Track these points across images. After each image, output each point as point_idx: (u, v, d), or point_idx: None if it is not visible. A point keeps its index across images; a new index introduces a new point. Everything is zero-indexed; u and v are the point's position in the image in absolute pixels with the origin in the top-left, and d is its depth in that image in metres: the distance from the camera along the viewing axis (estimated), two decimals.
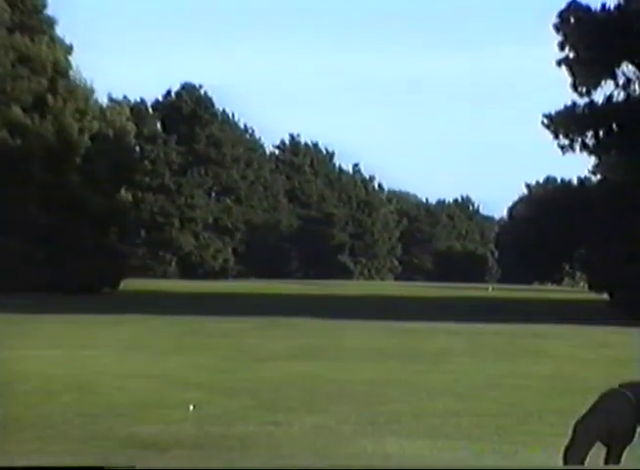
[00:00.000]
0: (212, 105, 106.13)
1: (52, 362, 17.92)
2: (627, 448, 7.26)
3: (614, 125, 47.97)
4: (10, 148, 51.78)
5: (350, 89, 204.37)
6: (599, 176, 61.66)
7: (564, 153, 49.62)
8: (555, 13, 48.12)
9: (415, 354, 20.79)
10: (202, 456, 9.79)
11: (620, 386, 7.27)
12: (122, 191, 60.21)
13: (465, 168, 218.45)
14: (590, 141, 48.93)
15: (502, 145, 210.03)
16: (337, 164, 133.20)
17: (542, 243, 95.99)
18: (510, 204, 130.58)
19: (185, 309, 37.66)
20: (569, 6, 47.38)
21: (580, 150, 49.36)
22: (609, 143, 48.31)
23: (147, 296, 53.69)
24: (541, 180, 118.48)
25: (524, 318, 36.11)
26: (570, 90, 48.63)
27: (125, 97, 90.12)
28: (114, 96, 78.67)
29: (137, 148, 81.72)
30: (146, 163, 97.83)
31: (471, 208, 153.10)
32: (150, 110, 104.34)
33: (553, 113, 49.53)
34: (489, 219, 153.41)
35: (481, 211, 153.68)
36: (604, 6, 47.03)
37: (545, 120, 49.74)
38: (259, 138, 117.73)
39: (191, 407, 12.52)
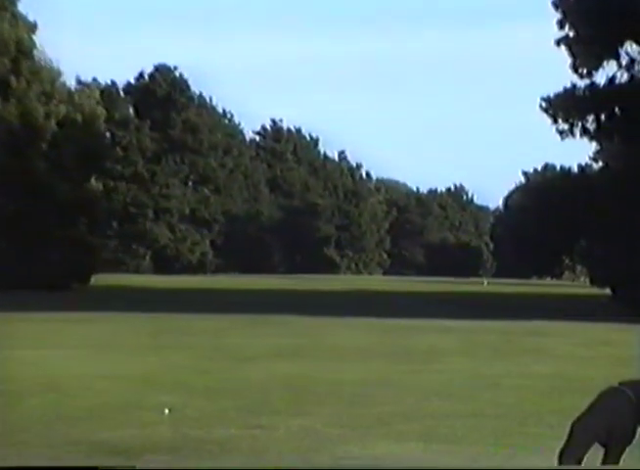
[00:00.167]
0: (188, 88, 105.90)
1: (19, 364, 17.88)
2: (627, 450, 7.28)
3: (616, 109, 48.11)
4: None
5: (336, 71, 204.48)
6: (600, 163, 61.93)
7: (563, 138, 49.83)
8: None
9: (406, 353, 20.85)
10: (178, 461, 9.80)
11: (621, 384, 7.31)
12: (92, 180, 60.03)
13: (458, 155, 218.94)
14: (591, 126, 49.08)
15: (497, 130, 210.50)
16: (321, 151, 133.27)
17: (540, 235, 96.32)
18: (506, 193, 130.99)
19: (160, 306, 37.60)
20: None
21: (581, 135, 49.54)
22: (611, 128, 48.45)
23: (119, 292, 53.56)
24: (539, 168, 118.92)
25: (521, 315, 36.25)
26: (569, 71, 48.79)
27: (95, 79, 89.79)
28: (83, 78, 78.38)
29: (108, 134, 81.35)
30: (117, 149, 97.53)
31: (464, 197, 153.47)
32: (121, 93, 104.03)
33: (551, 95, 49.68)
34: (484, 210, 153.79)
35: (476, 200, 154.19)
36: None
37: (543, 104, 49.88)
38: (239, 123, 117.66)
39: (167, 410, 12.51)
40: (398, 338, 25.09)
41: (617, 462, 7.26)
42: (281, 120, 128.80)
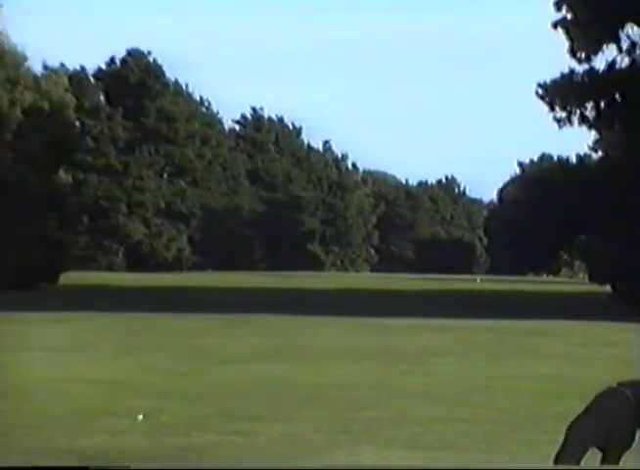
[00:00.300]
0: (163, 74, 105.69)
1: None
2: (625, 455, 7.28)
3: (616, 95, 48.25)
4: None
5: (320, 57, 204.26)
6: (600, 153, 62.08)
7: (560, 127, 49.93)
8: None
9: (394, 355, 20.88)
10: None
11: (619, 384, 7.32)
12: (61, 172, 59.83)
13: (449, 146, 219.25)
14: (590, 113, 49.20)
15: (491, 119, 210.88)
16: (305, 141, 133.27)
17: (537, 229, 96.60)
18: (500, 185, 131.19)
19: (134, 306, 37.54)
20: None
21: (579, 123, 49.66)
22: (611, 115, 48.58)
23: (90, 291, 53.45)
24: (535, 158, 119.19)
25: (516, 313, 36.35)
26: (567, 56, 48.86)
27: (63, 65, 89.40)
28: (50, 64, 78.03)
29: (77, 123, 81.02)
30: (88, 139, 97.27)
31: (456, 190, 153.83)
32: (91, 79, 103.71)
33: (548, 81, 49.78)
34: (477, 203, 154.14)
35: (468, 193, 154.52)
36: None
37: (539, 90, 49.98)
38: (217, 112, 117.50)
39: (140, 416, 12.49)
40: (386, 338, 25.12)
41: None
42: (262, 109, 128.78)
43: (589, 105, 49.09)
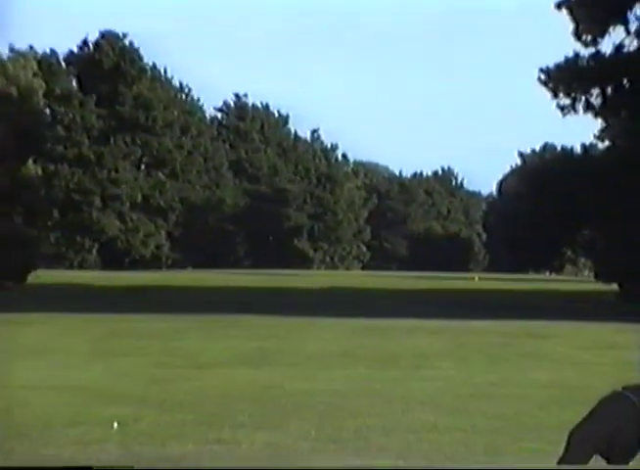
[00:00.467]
0: (140, 58, 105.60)
1: None
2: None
3: (624, 81, 48.36)
4: None
5: (307, 40, 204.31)
6: (606, 143, 62.24)
7: (564, 115, 50.08)
8: None
9: (387, 359, 20.89)
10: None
11: (624, 388, 7.30)
12: (29, 163, 59.67)
13: (446, 135, 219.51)
14: (596, 100, 49.32)
15: (490, 107, 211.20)
16: (292, 131, 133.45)
17: (538, 223, 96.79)
18: (500, 177, 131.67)
19: (108, 306, 37.52)
20: None
21: (584, 111, 49.78)
22: (618, 102, 48.69)
23: (61, 290, 53.37)
24: (537, 148, 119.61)
25: (517, 314, 36.45)
26: (571, 39, 48.93)
27: (31, 47, 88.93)
28: (17, 46, 77.70)
29: (47, 110, 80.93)
30: (58, 128, 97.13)
31: (453, 182, 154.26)
32: (62, 64, 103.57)
33: (551, 66, 49.88)
34: (475, 196, 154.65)
35: (466, 185, 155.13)
36: None
37: (542, 76, 50.08)
38: (198, 99, 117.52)
39: (115, 424, 12.45)
40: (379, 341, 25.14)
41: None
42: (245, 96, 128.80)
43: (595, 91, 49.19)
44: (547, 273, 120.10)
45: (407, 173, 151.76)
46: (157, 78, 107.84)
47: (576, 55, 49.48)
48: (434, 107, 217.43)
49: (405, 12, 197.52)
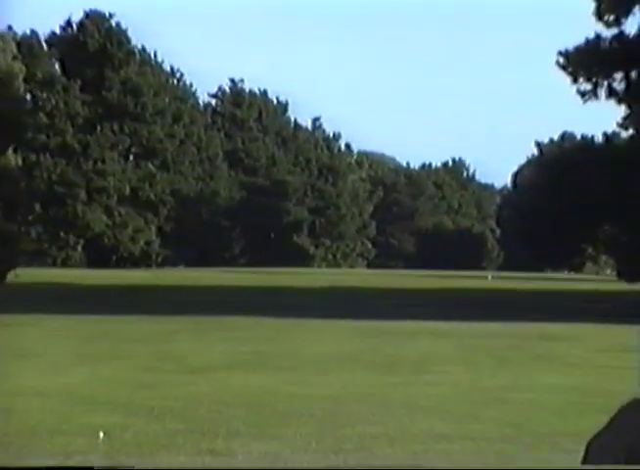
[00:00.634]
0: (128, 40, 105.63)
1: None
2: None
3: None
4: None
5: (307, 21, 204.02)
6: (630, 131, 62.23)
7: (585, 101, 50.10)
8: None
9: (392, 362, 20.97)
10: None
11: None
12: (9, 152, 59.73)
13: (457, 124, 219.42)
14: (619, 85, 49.37)
15: (504, 92, 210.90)
16: (291, 119, 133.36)
17: (557, 219, 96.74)
18: (515, 168, 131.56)
19: (94, 307, 37.59)
20: None
21: (606, 97, 49.82)
22: None
23: (43, 290, 53.43)
24: (555, 137, 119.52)
25: (532, 315, 36.54)
26: (593, 19, 48.91)
27: (11, 28, 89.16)
28: None
29: (28, 96, 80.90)
30: (40, 115, 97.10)
31: (464, 174, 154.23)
32: (44, 46, 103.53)
33: (571, 49, 49.87)
34: (488, 188, 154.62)
35: (478, 177, 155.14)
36: None
37: (561, 59, 50.10)
38: (191, 85, 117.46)
39: (101, 434, 12.51)
40: (384, 344, 25.22)
41: None
42: (242, 81, 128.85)
43: (618, 75, 49.22)
44: (566, 272, 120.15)
45: (415, 164, 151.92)
46: (146, 62, 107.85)
47: (598, 36, 49.50)
48: (443, 93, 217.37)
49: None
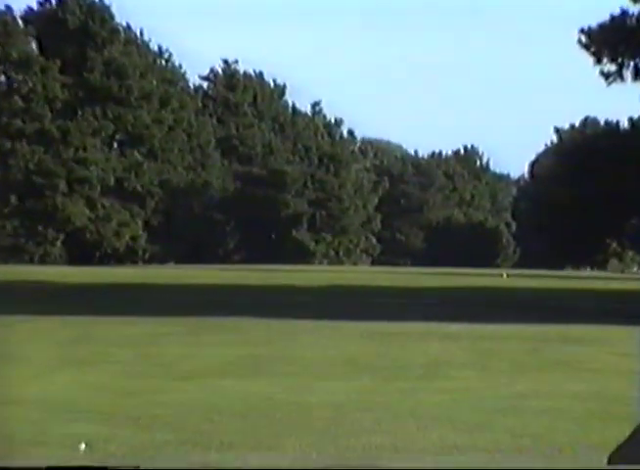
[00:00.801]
0: (112, 17, 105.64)
1: None
2: None
3: None
4: None
5: None
6: None
7: (609, 83, 50.10)
8: None
9: (399, 367, 21.00)
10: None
11: None
12: None
13: (469, 108, 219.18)
14: None
15: (520, 74, 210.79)
16: (289, 103, 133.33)
17: (578, 211, 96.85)
18: (533, 157, 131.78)
19: (75, 308, 37.61)
20: None
21: (633, 79, 49.81)
22: None
23: (20, 288, 53.45)
24: (577, 123, 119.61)
25: (551, 316, 36.58)
26: None
27: None
28: None
29: (2, 78, 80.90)
30: (16, 98, 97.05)
31: (478, 163, 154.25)
32: (20, 23, 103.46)
33: (594, 26, 49.81)
34: (504, 179, 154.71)
35: (492, 167, 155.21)
36: None
37: (582, 38, 50.13)
38: (180, 66, 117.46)
39: (83, 445, 12.52)
40: (389, 347, 25.24)
41: None
42: (236, 62, 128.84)
43: None
44: (588, 269, 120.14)
45: (424, 153, 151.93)
46: (131, 41, 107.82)
47: (623, 12, 49.48)
48: (454, 75, 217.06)
49: None
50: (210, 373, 19.76)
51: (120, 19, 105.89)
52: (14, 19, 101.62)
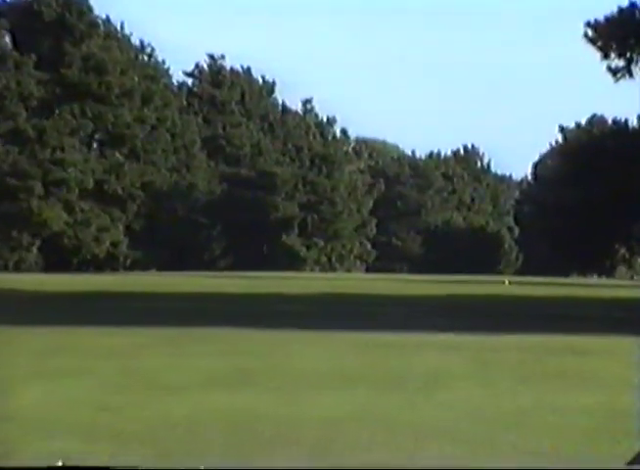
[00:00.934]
0: (90, 10, 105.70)
1: None
2: None
3: None
4: None
5: None
6: None
7: (617, 79, 50.14)
8: None
9: (396, 379, 20.99)
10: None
11: None
12: None
13: (469, 106, 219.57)
14: None
15: (523, 71, 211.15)
16: (279, 101, 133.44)
17: (584, 214, 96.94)
18: (536, 158, 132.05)
19: (52, 317, 37.57)
20: None
21: None
22: None
23: None
24: (583, 122, 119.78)
25: (556, 326, 36.58)
26: None
27: None
28: None
29: None
30: None
31: (478, 163, 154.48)
32: None
33: (601, 19, 49.89)
34: (506, 181, 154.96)
35: (494, 168, 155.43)
36: None
37: (589, 32, 50.18)
38: (163, 61, 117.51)
39: (59, 463, 12.46)
40: (385, 358, 25.22)
41: None
42: (222, 57, 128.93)
43: None
44: (595, 276, 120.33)
45: (421, 153, 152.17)
46: (111, 35, 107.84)
47: (632, 4, 49.60)
48: (453, 71, 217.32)
49: None
50: (194, 386, 19.72)
51: (99, 11, 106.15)
52: None
